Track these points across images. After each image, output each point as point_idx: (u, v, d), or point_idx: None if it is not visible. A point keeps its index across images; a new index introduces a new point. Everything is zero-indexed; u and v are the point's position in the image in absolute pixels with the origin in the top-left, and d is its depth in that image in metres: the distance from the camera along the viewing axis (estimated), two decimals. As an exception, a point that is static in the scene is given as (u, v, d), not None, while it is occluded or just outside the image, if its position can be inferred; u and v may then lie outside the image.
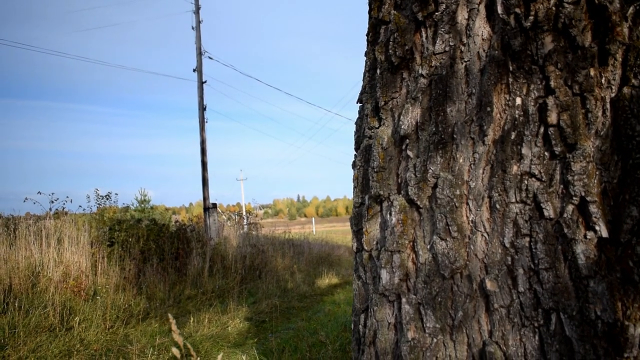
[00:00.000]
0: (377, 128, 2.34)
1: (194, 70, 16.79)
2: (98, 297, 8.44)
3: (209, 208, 15.23)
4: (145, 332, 7.40)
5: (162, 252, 10.98)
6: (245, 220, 18.53)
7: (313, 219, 51.93)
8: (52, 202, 10.52)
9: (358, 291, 2.40)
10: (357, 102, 2.63)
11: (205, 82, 16.79)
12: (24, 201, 10.13)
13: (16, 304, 7.24)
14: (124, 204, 14.79)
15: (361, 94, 2.57)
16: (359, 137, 2.56)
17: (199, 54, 16.78)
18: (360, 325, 2.37)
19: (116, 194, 11.94)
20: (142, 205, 20.93)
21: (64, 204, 10.70)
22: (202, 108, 16.55)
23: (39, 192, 10.36)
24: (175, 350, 1.49)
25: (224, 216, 17.81)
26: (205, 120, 16.64)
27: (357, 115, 2.62)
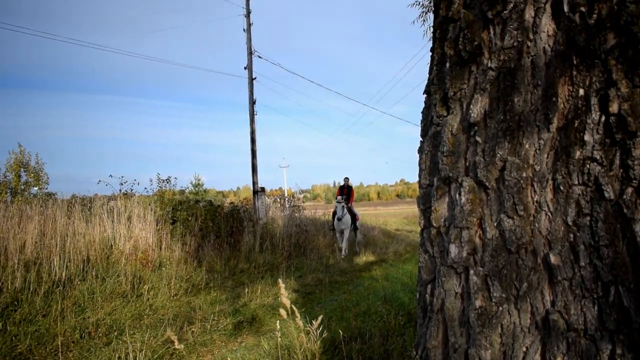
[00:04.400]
0: (446, 116, 2.35)
1: (245, 68, 16.82)
2: (163, 269, 8.64)
3: (257, 191, 15.35)
4: (205, 300, 7.55)
5: (218, 230, 11.17)
6: (287, 203, 18.63)
7: (348, 203, 51.59)
8: (122, 184, 10.77)
9: (424, 264, 2.42)
10: (423, 94, 2.63)
11: (255, 78, 16.83)
12: (98, 183, 10.39)
13: (93, 273, 7.46)
14: (181, 187, 14.95)
15: (428, 85, 2.58)
16: (426, 125, 2.57)
17: (250, 53, 16.81)
18: (427, 295, 2.39)
19: (175, 178, 12.15)
20: (197, 188, 21.17)
21: (132, 186, 10.85)
22: (252, 102, 16.63)
23: (110, 176, 10.62)
24: (282, 312, 1.54)
25: (268, 199, 17.92)
26: (255, 112, 16.70)
27: (424, 105, 2.63)
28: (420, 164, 2.54)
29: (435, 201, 2.37)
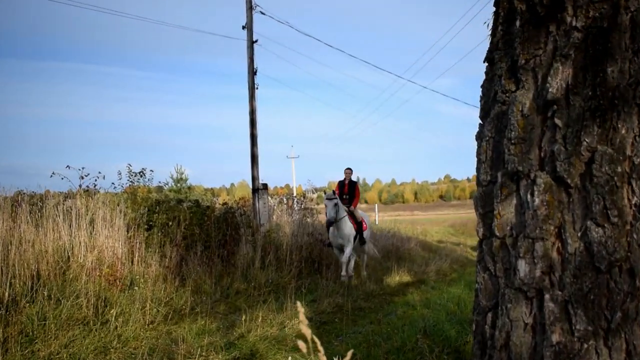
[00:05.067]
0: (515, 92, 2.34)
1: (243, 28, 16.81)
2: (136, 288, 8.70)
3: (258, 189, 15.37)
4: (191, 329, 7.59)
5: (207, 239, 11.21)
6: (297, 205, 18.66)
7: (376, 205, 51.51)
8: (82, 178, 10.79)
9: (484, 285, 2.42)
10: (484, 62, 2.63)
11: (256, 41, 16.80)
12: (51, 176, 10.43)
13: (45, 293, 7.52)
14: (159, 182, 15.00)
15: (491, 51, 2.56)
16: (487, 103, 2.56)
17: (249, 8, 16.79)
18: (486, 326, 2.39)
19: (151, 170, 12.14)
20: (179, 184, 21.26)
21: (95, 180, 10.90)
22: (252, 72, 16.63)
23: (67, 167, 10.63)
24: (301, 344, 1.54)
25: (272, 200, 17.94)
26: (256, 86, 16.71)
27: (485, 78, 2.62)
28: (479, 155, 2.53)
29: (499, 203, 2.36)
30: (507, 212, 2.34)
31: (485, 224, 2.44)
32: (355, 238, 12.73)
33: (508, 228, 2.33)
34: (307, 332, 1.50)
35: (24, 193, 11.05)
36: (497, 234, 2.35)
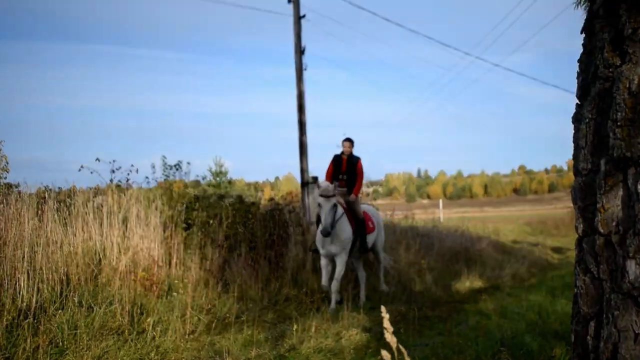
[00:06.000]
0: (621, 66, 2.30)
1: (289, 1, 16.86)
2: (174, 294, 8.80)
3: (308, 183, 15.48)
4: (236, 340, 7.63)
5: (253, 239, 11.26)
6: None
7: (440, 201, 50.93)
8: (114, 171, 10.91)
9: (585, 290, 2.39)
10: (581, 32, 2.59)
11: (303, 16, 16.84)
12: (79, 170, 10.57)
13: (76, 299, 7.66)
14: (196, 176, 15.07)
15: (590, 19, 2.52)
16: (586, 79, 2.52)
17: (296, -23, 16.86)
18: (588, 337, 2.37)
19: (188, 163, 12.22)
20: (218, 178, 21.34)
21: (128, 174, 11.00)
22: (300, 51, 16.67)
23: (97, 160, 10.77)
24: (385, 354, 1.54)
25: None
26: (304, 67, 16.70)
27: (582, 51, 2.59)
28: (577, 140, 2.49)
29: (602, 195, 2.32)
30: (612, 205, 2.30)
31: (585, 220, 2.41)
32: (354, 244, 10.23)
33: (614, 224, 2.29)
34: (393, 340, 1.48)
35: (50, 189, 11.27)
36: (601, 231, 2.31)
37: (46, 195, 10.24)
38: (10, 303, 7.11)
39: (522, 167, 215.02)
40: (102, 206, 9.82)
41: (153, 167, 12.10)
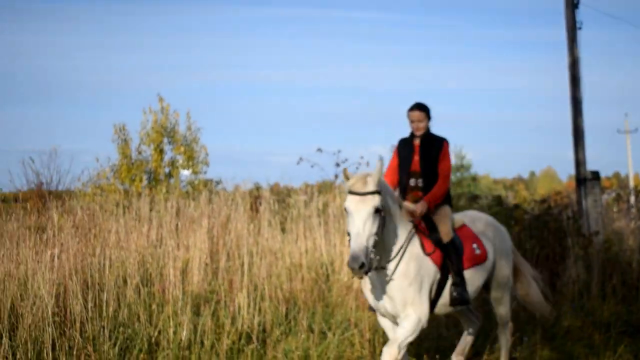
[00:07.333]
0: None
1: None
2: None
3: (585, 179, 14.17)
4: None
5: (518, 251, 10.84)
6: (635, 203, 17.41)
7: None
8: (338, 164, 10.64)
9: None
10: None
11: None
12: (298, 163, 10.48)
13: (304, 322, 7.55)
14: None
15: None
16: None
17: None
18: None
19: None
20: (458, 173, 20.83)
21: (356, 168, 10.37)
22: (572, 3, 15.61)
23: (318, 149, 10.61)
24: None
25: (605, 195, 16.88)
26: (578, 26, 15.60)
27: None
28: None
29: None
30: None
31: None
32: (442, 287, 6.58)
33: None
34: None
35: (260, 187, 11.30)
36: None
37: (259, 194, 10.15)
38: (229, 324, 7.08)
39: None
40: (327, 209, 9.63)
41: (380, 159, 11.82)
